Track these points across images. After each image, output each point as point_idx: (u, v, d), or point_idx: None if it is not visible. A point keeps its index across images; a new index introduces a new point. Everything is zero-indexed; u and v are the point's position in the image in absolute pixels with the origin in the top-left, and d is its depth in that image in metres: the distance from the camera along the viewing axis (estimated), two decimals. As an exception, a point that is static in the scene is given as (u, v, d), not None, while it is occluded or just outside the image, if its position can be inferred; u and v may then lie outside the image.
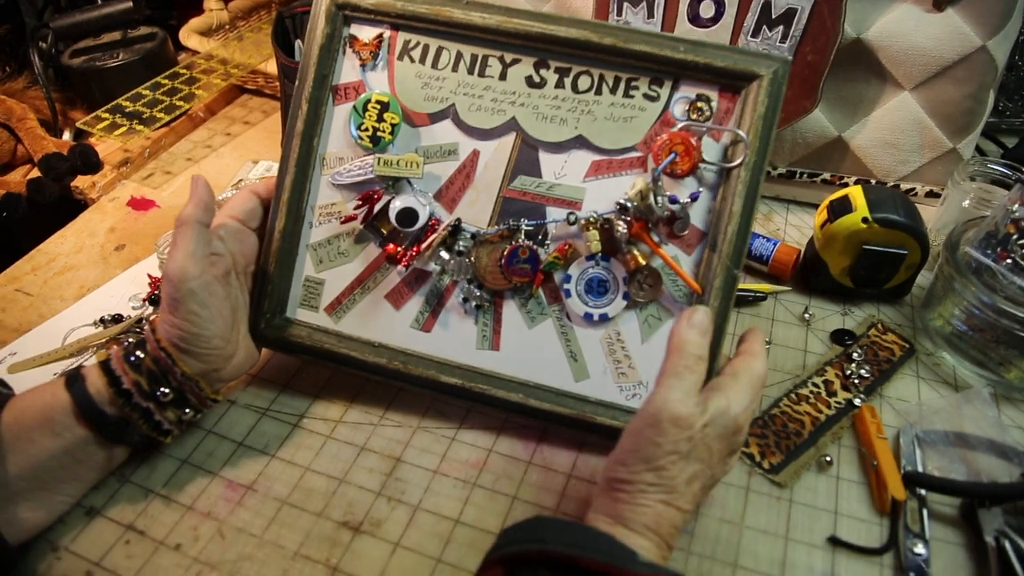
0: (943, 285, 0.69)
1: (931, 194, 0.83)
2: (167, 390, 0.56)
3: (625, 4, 0.80)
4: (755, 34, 0.77)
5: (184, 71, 1.10)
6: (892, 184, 0.83)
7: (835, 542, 0.55)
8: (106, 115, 1.00)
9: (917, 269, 0.72)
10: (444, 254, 0.62)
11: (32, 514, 0.53)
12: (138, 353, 0.55)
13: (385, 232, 0.63)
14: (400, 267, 0.62)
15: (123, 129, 0.98)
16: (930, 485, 0.58)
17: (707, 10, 0.78)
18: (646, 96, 0.59)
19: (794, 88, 0.77)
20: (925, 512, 0.56)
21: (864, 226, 0.68)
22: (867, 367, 0.67)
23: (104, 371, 0.55)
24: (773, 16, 0.75)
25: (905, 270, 0.71)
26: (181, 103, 1.04)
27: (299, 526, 0.56)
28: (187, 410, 0.58)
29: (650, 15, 0.79)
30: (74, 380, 0.55)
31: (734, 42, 0.78)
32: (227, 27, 1.24)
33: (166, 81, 1.07)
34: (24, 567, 0.53)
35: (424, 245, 0.61)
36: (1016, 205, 0.65)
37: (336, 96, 0.63)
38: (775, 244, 0.77)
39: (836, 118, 0.82)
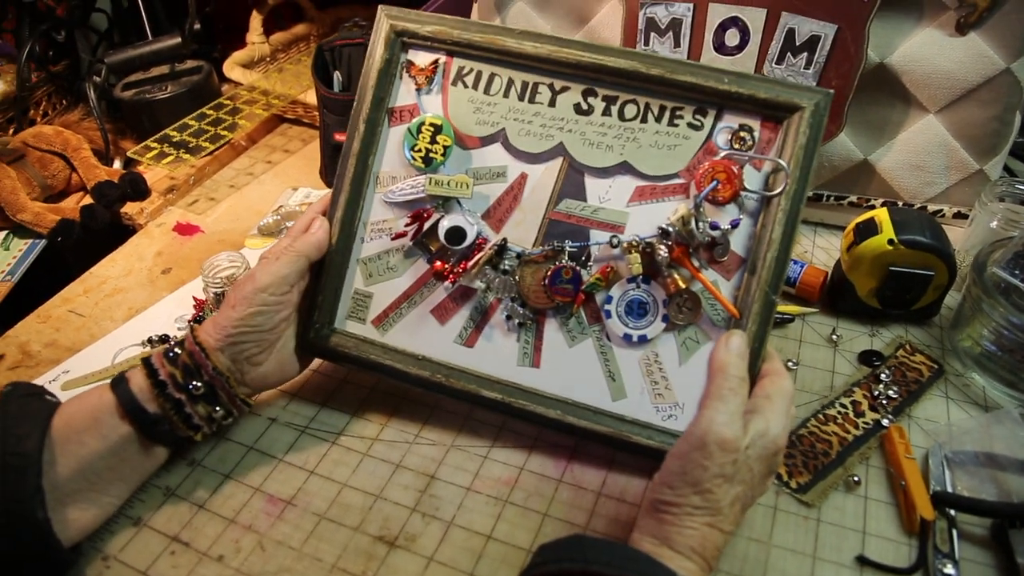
0: (971, 306, 0.69)
1: (959, 215, 0.83)
2: (199, 384, 0.59)
3: (652, 34, 0.82)
4: (779, 61, 0.79)
5: (228, 102, 1.14)
6: (919, 206, 0.84)
7: (863, 561, 0.55)
8: (155, 145, 1.05)
9: (945, 290, 0.72)
10: (490, 272, 0.64)
11: (82, 515, 0.56)
12: (176, 350, 0.60)
13: (433, 249, 0.65)
14: (447, 283, 0.65)
15: (170, 158, 1.03)
16: (960, 505, 0.58)
17: (732, 38, 0.80)
18: (690, 125, 0.61)
19: (819, 113, 0.79)
20: (955, 532, 0.56)
21: (890, 248, 0.69)
22: (895, 388, 0.68)
23: (145, 366, 0.59)
24: (797, 43, 0.77)
25: (932, 291, 0.72)
26: (225, 133, 1.08)
27: (337, 540, 0.58)
28: (217, 408, 0.61)
29: (676, 44, 0.82)
30: (119, 381, 0.59)
31: (759, 69, 0.79)
32: (268, 59, 1.29)
33: (211, 112, 1.12)
34: (75, 574, 0.56)
35: (471, 263, 0.64)
36: (1044, 226, 0.66)
37: (392, 118, 0.66)
38: (802, 266, 0.78)
39: (862, 141, 0.83)
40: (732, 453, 0.49)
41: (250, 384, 0.63)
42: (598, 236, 0.63)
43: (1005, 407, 0.66)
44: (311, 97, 1.14)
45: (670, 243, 0.60)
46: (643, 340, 0.62)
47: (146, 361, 0.60)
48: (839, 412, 0.66)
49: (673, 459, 0.51)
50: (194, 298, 0.83)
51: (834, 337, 0.74)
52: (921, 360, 0.71)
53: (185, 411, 0.59)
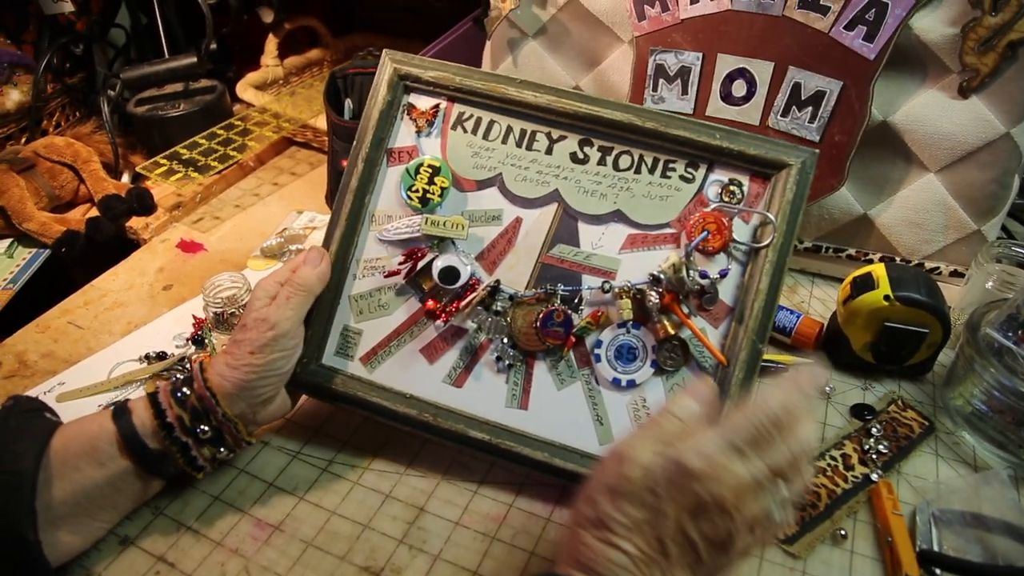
0: (964, 365, 0.70)
1: (955, 274, 0.84)
2: (207, 428, 0.58)
3: (661, 80, 0.84)
4: (785, 113, 0.80)
5: (239, 123, 1.16)
6: (916, 262, 0.85)
7: (847, 617, 0.55)
8: (164, 161, 1.06)
9: (938, 348, 0.73)
10: (482, 312, 0.65)
11: (71, 538, 0.56)
12: (184, 390, 0.59)
13: (426, 288, 0.66)
14: (438, 322, 0.65)
15: (179, 175, 1.04)
16: (945, 565, 0.58)
17: (739, 89, 0.81)
18: (682, 177, 0.63)
19: (822, 166, 0.80)
20: (940, 592, 0.57)
21: (886, 303, 0.70)
22: (886, 443, 0.68)
23: (151, 403, 0.58)
24: (803, 97, 0.79)
25: (926, 348, 0.72)
26: (234, 153, 1.10)
27: (322, 568, 0.58)
28: (222, 449, 0.60)
29: (684, 92, 0.83)
30: (121, 412, 0.58)
31: (764, 120, 0.81)
32: (281, 82, 1.31)
33: (221, 131, 1.13)
34: (60, 592, 0.56)
35: (464, 303, 0.64)
36: (1037, 290, 0.66)
37: (390, 158, 0.68)
38: (799, 316, 0.79)
39: (862, 196, 0.84)
40: (624, 466, 0.45)
41: (259, 423, 0.63)
42: (590, 281, 0.64)
43: (994, 468, 0.67)
44: (321, 122, 1.16)
45: (660, 290, 0.62)
46: (632, 384, 0.63)
47: (152, 397, 0.59)
48: (829, 464, 0.67)
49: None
50: (194, 316, 0.83)
51: (827, 389, 0.75)
52: (912, 416, 0.72)
53: (191, 454, 0.59)
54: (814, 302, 0.87)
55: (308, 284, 0.62)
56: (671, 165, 0.64)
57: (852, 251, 0.87)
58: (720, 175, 0.63)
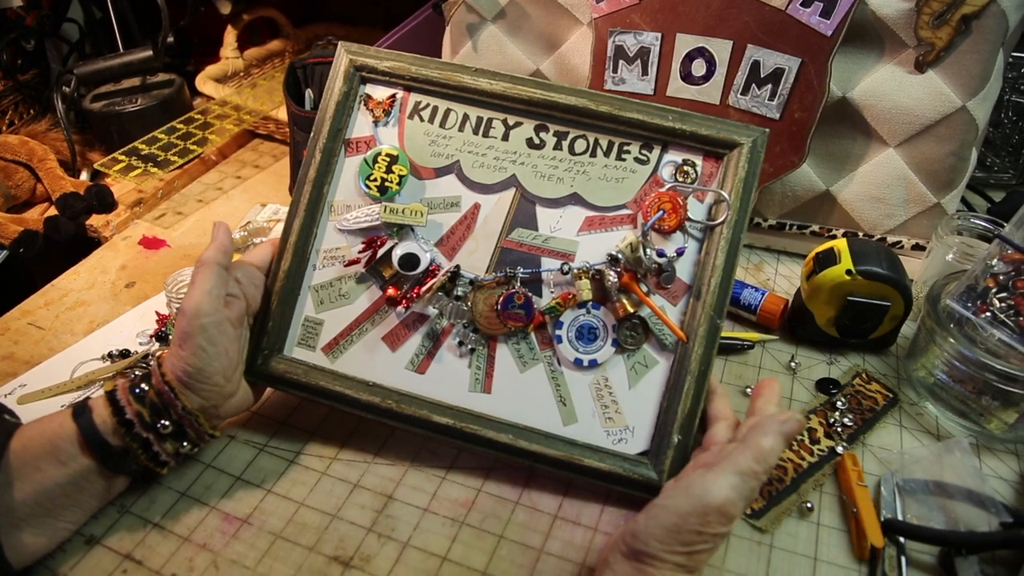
0: (925, 337, 0.70)
1: (917, 247, 0.85)
2: (167, 423, 0.58)
3: (621, 61, 0.84)
4: (745, 92, 0.80)
5: (199, 116, 1.14)
6: (879, 237, 0.85)
7: (814, 587, 0.56)
8: (123, 157, 1.04)
9: (901, 321, 0.74)
10: (443, 298, 0.65)
11: (34, 540, 0.55)
12: (143, 386, 0.58)
13: (386, 276, 0.66)
14: (400, 309, 0.65)
15: (138, 171, 1.02)
16: (909, 533, 0.59)
17: (699, 68, 0.81)
18: (637, 159, 0.64)
19: (783, 144, 0.80)
20: (904, 559, 0.57)
21: (848, 278, 0.71)
22: (850, 416, 0.69)
23: (109, 401, 0.57)
24: (762, 75, 0.79)
25: (889, 321, 0.73)
26: (195, 147, 1.08)
27: (291, 560, 0.58)
28: (185, 443, 0.60)
29: (644, 72, 0.83)
30: (81, 411, 0.57)
31: (724, 99, 0.81)
32: (241, 75, 1.29)
33: (181, 126, 1.11)
34: (24, 595, 0.55)
35: (424, 289, 0.64)
36: (995, 259, 0.67)
37: (348, 148, 0.67)
38: (763, 294, 0.79)
39: (824, 172, 0.85)
40: (730, 522, 0.49)
41: (223, 416, 0.62)
42: (549, 263, 0.64)
43: (956, 437, 0.68)
44: (282, 114, 1.14)
45: (619, 269, 0.63)
46: (593, 364, 0.63)
47: (111, 396, 0.58)
48: (795, 439, 0.67)
49: (668, 513, 0.50)
50: (157, 313, 0.82)
51: (793, 364, 0.75)
52: (877, 389, 0.72)
53: (153, 449, 0.58)
54: (780, 279, 0.88)
55: (207, 259, 0.60)
56: (626, 148, 0.64)
57: (816, 227, 0.88)
58: (674, 156, 0.63)
